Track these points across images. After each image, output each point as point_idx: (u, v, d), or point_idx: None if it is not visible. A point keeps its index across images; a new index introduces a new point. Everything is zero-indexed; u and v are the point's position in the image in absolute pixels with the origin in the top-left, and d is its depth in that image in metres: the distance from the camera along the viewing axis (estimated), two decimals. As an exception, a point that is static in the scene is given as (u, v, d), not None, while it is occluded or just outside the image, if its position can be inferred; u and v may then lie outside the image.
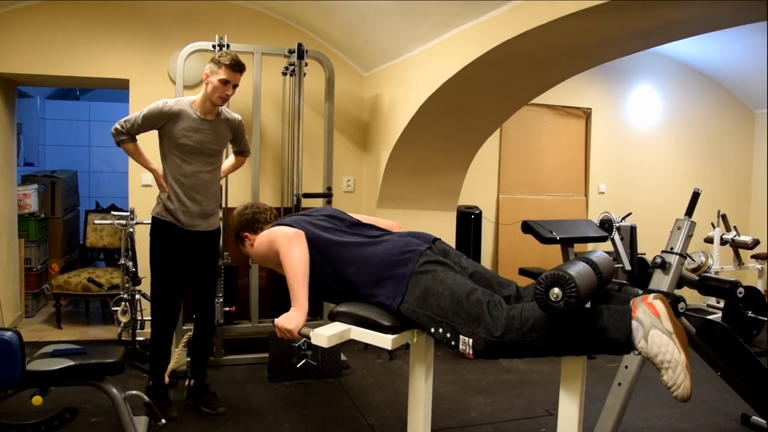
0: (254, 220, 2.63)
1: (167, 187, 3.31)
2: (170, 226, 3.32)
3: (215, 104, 3.29)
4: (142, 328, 4.42)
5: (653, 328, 1.73)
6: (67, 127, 7.81)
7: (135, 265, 4.24)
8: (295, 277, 2.16)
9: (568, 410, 1.96)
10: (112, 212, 4.86)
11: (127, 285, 4.27)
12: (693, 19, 2.81)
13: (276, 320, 2.16)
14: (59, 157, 7.63)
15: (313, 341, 2.06)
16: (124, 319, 4.23)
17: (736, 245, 6.22)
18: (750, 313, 5.00)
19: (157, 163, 3.40)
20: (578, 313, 1.81)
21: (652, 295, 1.80)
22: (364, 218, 2.59)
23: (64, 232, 6.10)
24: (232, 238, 2.74)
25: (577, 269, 1.74)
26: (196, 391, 3.55)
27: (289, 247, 2.19)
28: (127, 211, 4.41)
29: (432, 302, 2.02)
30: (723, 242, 6.21)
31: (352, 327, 2.10)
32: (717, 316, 5.43)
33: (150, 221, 3.44)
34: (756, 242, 6.09)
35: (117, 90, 5.26)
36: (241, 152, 3.72)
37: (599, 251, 2.07)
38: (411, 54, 4.37)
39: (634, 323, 1.76)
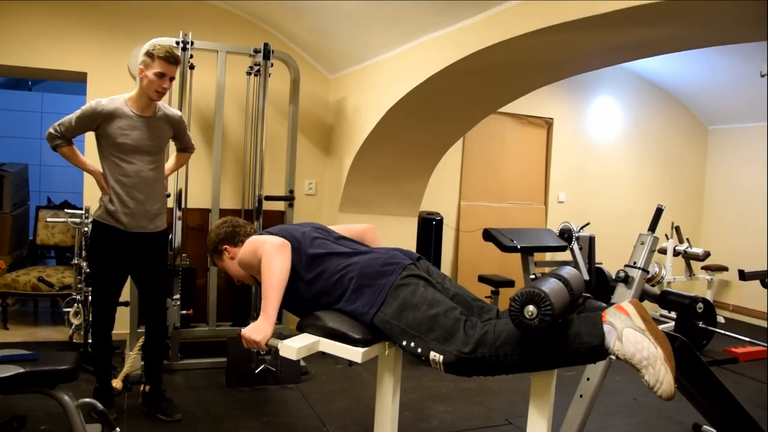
0: (234, 233, 2.61)
1: (108, 189, 3.21)
2: (111, 229, 3.21)
3: (152, 99, 3.19)
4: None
5: (626, 327, 1.74)
6: (18, 118, 7.50)
7: (89, 265, 4.11)
8: (270, 287, 2.13)
9: (537, 425, 1.96)
10: (65, 209, 4.69)
11: (80, 285, 4.13)
12: (666, 39, 2.86)
13: (243, 330, 2.11)
14: (9, 149, 7.32)
15: (282, 353, 2.01)
16: (76, 321, 4.08)
17: (688, 257, 6.42)
18: (701, 324, 5.15)
19: (96, 165, 3.28)
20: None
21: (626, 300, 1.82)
22: (341, 228, 2.61)
23: (13, 228, 5.85)
24: (209, 253, 2.70)
25: (551, 286, 1.75)
26: (152, 396, 3.45)
27: (272, 256, 2.16)
28: (81, 209, 4.27)
29: (408, 315, 2.00)
30: (676, 253, 6.40)
31: (321, 339, 2.07)
32: (669, 326, 5.57)
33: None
34: (707, 254, 6.30)
35: (72, 82, 5.08)
36: (185, 149, 3.62)
37: (568, 267, 2.08)
38: (378, 59, 4.35)
39: (606, 326, 1.77)
